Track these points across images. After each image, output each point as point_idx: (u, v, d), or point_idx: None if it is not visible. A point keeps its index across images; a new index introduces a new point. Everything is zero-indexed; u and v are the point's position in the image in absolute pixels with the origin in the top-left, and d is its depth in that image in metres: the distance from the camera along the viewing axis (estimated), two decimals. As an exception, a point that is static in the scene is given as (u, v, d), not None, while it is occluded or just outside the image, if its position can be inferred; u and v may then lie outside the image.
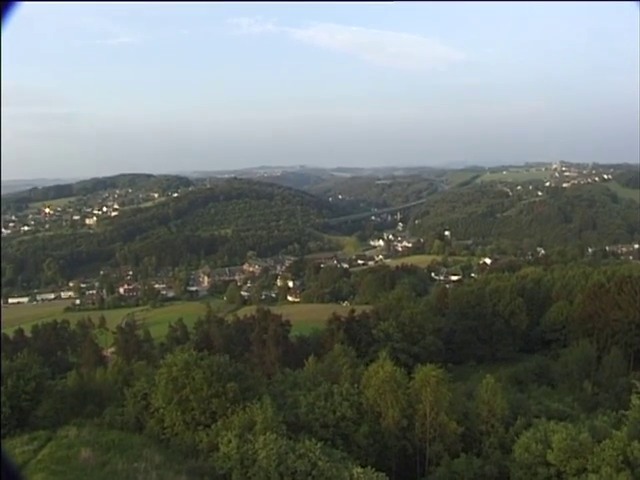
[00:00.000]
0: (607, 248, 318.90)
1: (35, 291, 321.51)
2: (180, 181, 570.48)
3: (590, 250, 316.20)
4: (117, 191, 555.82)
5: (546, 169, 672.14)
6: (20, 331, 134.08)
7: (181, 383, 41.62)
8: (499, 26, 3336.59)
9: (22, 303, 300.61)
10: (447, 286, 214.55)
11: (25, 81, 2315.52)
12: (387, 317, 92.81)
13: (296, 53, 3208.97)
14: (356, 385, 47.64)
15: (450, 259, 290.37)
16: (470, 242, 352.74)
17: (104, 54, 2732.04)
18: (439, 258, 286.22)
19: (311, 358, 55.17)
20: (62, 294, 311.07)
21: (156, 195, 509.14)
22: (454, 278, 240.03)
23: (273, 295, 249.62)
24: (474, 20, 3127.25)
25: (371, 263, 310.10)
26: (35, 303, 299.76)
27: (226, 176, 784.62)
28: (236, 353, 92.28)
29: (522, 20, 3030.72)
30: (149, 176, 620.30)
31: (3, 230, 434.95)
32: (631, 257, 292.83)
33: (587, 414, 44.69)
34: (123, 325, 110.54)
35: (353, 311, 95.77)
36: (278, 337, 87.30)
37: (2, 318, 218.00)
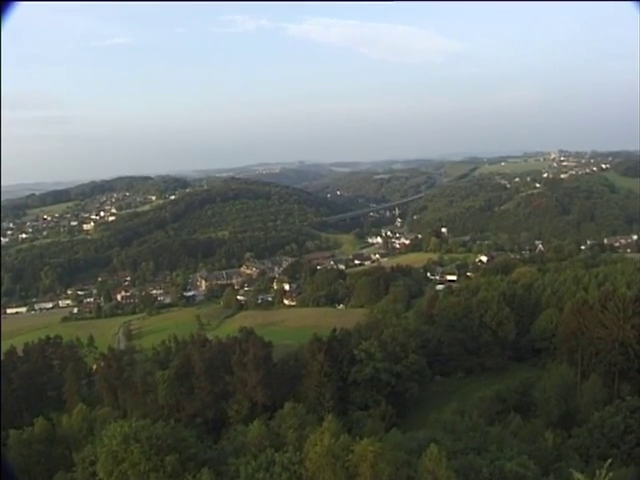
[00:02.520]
0: (605, 241, 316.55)
1: (33, 300, 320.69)
2: (177, 183, 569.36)
3: (588, 243, 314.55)
4: (115, 195, 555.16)
5: (544, 159, 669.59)
6: (9, 353, 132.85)
7: (120, 457, 40.37)
8: (495, 16, 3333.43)
9: (20, 313, 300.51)
10: (440, 287, 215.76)
11: (21, 85, 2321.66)
12: (369, 336, 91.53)
13: (292, 48, 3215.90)
14: (299, 453, 44.75)
15: (447, 257, 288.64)
16: (467, 238, 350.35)
17: (100, 55, 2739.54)
18: (435, 256, 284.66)
19: (256, 421, 52.72)
20: (60, 303, 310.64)
21: (154, 198, 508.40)
22: (450, 278, 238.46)
23: (269, 299, 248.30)
24: (469, 11, 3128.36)
25: (368, 263, 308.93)
26: (33, 313, 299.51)
27: (225, 175, 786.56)
28: (217, 377, 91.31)
29: (518, 9, 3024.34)
30: (147, 178, 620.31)
31: (2, 239, 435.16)
32: (629, 250, 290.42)
33: (544, 470, 43.15)
34: (106, 351, 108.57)
35: (335, 330, 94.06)
36: (258, 360, 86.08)
37: (2, 329, 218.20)
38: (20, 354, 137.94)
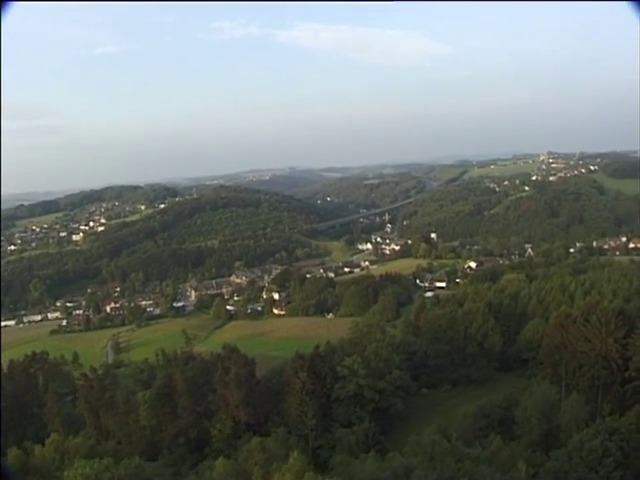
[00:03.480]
0: (594, 243, 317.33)
1: (22, 313, 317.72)
2: (167, 192, 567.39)
3: (577, 245, 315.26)
4: (104, 204, 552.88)
5: (533, 161, 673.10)
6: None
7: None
8: (482, 18, 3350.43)
9: (9, 326, 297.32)
10: (429, 294, 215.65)
11: (10, 95, 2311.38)
12: (352, 351, 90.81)
13: (281, 54, 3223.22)
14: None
15: (436, 263, 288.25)
16: (457, 244, 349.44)
17: (89, 64, 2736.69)
18: (425, 263, 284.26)
19: (221, 458, 51.74)
20: (49, 315, 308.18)
21: (143, 207, 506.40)
22: (439, 285, 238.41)
23: (259, 308, 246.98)
24: (457, 13, 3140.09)
25: (357, 270, 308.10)
26: (22, 326, 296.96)
27: (215, 182, 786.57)
28: (200, 396, 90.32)
29: (505, 11, 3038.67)
30: (136, 188, 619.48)
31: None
32: (617, 252, 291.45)
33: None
34: (88, 371, 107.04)
35: (317, 347, 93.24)
36: (240, 379, 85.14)
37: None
38: (4, 371, 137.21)
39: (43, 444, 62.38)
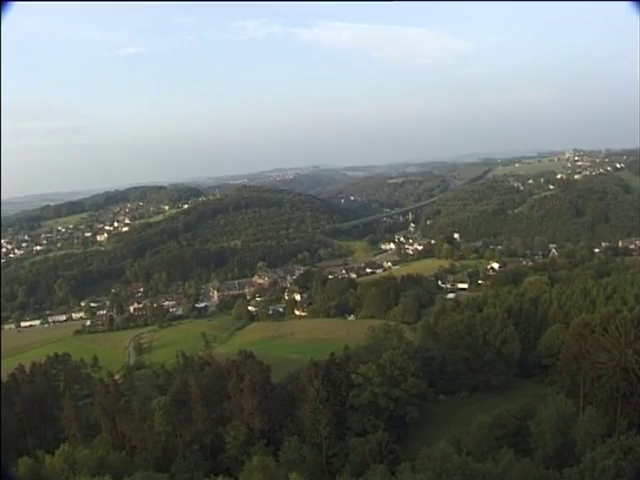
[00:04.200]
0: (620, 243, 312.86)
1: (47, 313, 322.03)
2: (191, 192, 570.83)
3: (603, 245, 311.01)
4: (128, 205, 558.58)
5: (559, 159, 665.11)
6: (14, 376, 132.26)
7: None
8: (505, 15, 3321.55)
9: (34, 326, 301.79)
10: (451, 296, 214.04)
11: (36, 97, 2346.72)
12: (368, 359, 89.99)
13: (304, 53, 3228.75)
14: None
15: (459, 264, 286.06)
16: (480, 244, 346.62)
17: (112, 65, 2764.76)
18: (447, 264, 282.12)
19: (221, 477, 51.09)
20: (73, 315, 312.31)
21: (167, 207, 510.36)
22: (461, 286, 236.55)
23: (280, 310, 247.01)
24: (478, 10, 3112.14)
25: (380, 271, 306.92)
26: (47, 326, 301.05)
27: (238, 182, 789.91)
28: (214, 403, 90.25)
29: (528, 6, 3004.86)
30: (160, 188, 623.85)
31: (17, 251, 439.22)
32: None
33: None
34: (107, 377, 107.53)
35: (333, 354, 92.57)
36: (255, 386, 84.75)
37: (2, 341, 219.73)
38: (26, 372, 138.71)
39: (54, 453, 62.60)
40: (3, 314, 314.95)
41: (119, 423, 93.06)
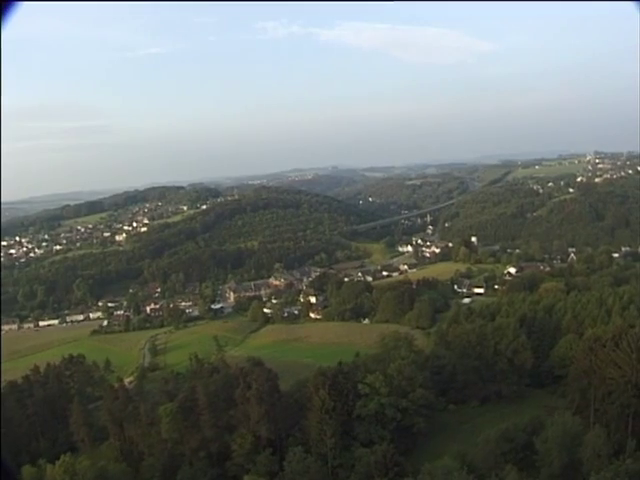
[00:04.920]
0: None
1: (65, 312, 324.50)
2: (209, 192, 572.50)
3: (623, 250, 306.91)
4: (147, 205, 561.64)
5: (579, 162, 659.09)
6: (27, 377, 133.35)
7: None
8: (527, 15, 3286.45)
9: (53, 325, 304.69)
10: (467, 301, 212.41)
11: (59, 97, 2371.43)
12: (376, 369, 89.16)
13: (323, 53, 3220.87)
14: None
15: (475, 268, 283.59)
16: (497, 247, 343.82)
17: (135, 66, 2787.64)
18: (464, 267, 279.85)
19: None
20: (91, 315, 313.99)
21: (185, 208, 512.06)
22: (477, 291, 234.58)
23: (296, 312, 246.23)
24: (500, 10, 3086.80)
25: (396, 274, 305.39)
26: (65, 325, 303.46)
27: (257, 182, 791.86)
28: (221, 410, 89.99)
29: (551, 6, 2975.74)
30: (179, 188, 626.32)
31: (37, 250, 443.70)
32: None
33: None
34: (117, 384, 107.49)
35: (340, 363, 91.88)
36: (262, 395, 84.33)
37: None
38: (41, 374, 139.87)
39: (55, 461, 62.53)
40: (23, 313, 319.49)
41: (127, 429, 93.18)
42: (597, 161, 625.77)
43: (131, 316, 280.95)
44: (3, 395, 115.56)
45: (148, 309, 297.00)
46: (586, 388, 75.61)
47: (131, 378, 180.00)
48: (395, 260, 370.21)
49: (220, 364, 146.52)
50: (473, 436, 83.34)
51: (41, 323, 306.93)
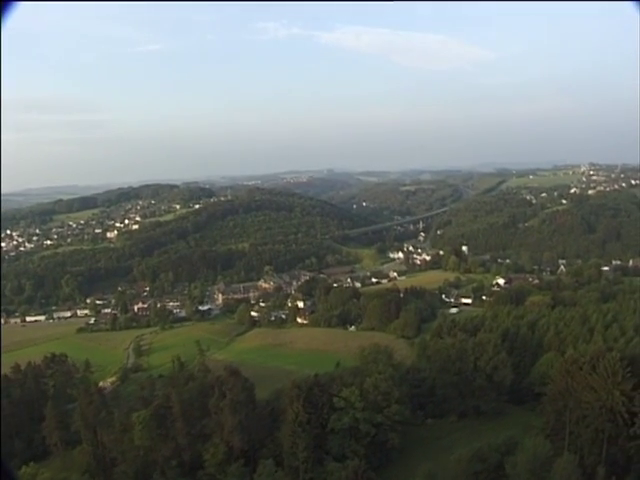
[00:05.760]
0: (630, 262, 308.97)
1: (53, 308, 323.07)
2: (202, 192, 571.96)
3: (613, 263, 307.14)
4: (140, 202, 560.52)
5: (574, 173, 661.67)
6: (6, 377, 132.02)
7: None
8: (527, 24, 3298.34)
9: (39, 321, 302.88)
10: (454, 311, 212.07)
11: (59, 90, 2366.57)
12: (352, 382, 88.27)
13: (323, 55, 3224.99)
14: None
15: (465, 277, 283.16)
16: (487, 257, 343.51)
17: (134, 62, 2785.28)
18: (453, 277, 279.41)
19: None
20: (78, 312, 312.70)
21: (178, 207, 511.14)
22: (465, 301, 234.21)
23: (283, 316, 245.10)
24: (500, 19, 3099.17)
25: (385, 281, 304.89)
26: (51, 321, 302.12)
27: (252, 183, 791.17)
28: (195, 419, 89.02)
29: (552, 16, 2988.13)
30: (173, 187, 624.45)
31: (27, 244, 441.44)
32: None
33: None
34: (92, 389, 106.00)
35: (316, 376, 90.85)
36: (236, 405, 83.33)
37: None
38: (20, 372, 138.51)
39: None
40: (10, 307, 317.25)
41: (100, 434, 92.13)
42: (591, 173, 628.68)
43: (118, 315, 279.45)
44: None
45: (136, 308, 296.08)
46: (561, 410, 74.74)
47: (114, 379, 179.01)
48: (385, 266, 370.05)
49: (202, 369, 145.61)
50: (448, 452, 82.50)
51: (28, 318, 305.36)
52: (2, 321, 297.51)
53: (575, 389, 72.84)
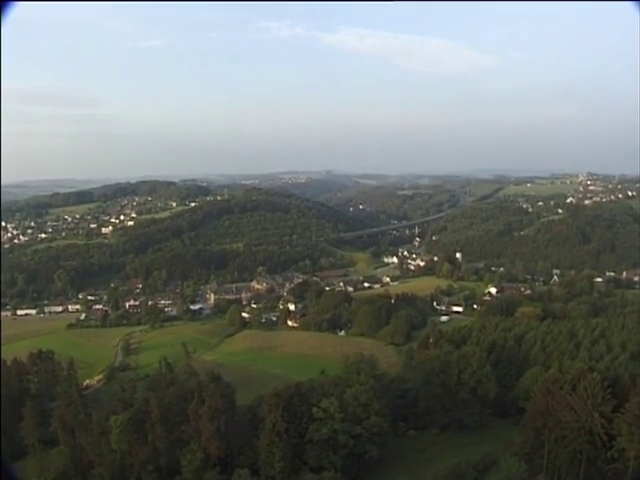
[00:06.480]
0: (624, 274, 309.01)
1: (44, 302, 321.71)
2: (199, 190, 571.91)
3: (606, 274, 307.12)
4: (137, 199, 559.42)
5: (571, 182, 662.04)
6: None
7: None
8: (529, 32, 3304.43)
9: (30, 315, 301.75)
10: (444, 319, 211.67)
11: (61, 83, 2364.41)
12: (333, 392, 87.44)
13: (325, 57, 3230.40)
14: None
15: (457, 285, 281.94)
16: (481, 265, 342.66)
17: (135, 57, 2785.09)
18: (445, 284, 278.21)
19: None
20: (70, 307, 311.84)
21: (174, 204, 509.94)
22: (456, 309, 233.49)
23: (274, 318, 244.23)
24: (503, 25, 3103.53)
25: (377, 286, 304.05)
26: (42, 316, 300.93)
27: (250, 182, 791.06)
28: (174, 424, 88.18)
29: (553, 23, 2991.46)
30: (170, 184, 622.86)
31: (21, 237, 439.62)
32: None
33: None
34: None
35: (297, 385, 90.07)
36: (214, 412, 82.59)
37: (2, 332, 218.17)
38: (7, 368, 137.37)
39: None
40: (2, 300, 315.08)
41: (78, 436, 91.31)
42: (589, 182, 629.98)
43: (109, 311, 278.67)
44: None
45: (127, 305, 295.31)
46: (541, 429, 74.12)
47: (100, 377, 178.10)
48: (379, 271, 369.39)
49: (187, 371, 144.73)
50: (427, 465, 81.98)
51: (19, 312, 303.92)
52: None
53: (555, 408, 72.26)
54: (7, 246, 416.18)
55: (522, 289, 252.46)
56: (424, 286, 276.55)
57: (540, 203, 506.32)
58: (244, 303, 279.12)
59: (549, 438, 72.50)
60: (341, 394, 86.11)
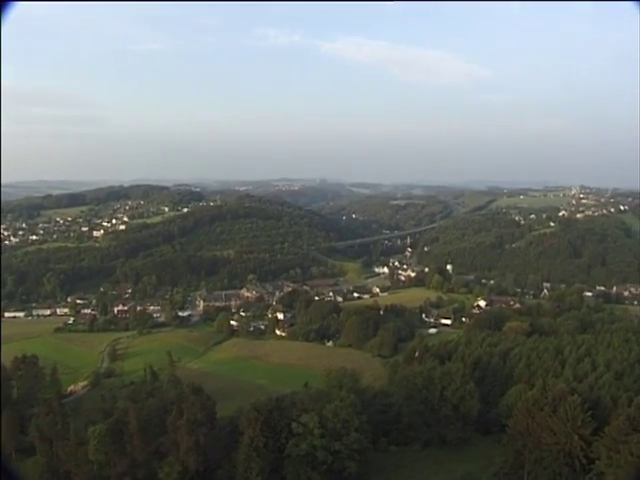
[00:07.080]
0: (614, 288, 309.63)
1: (33, 305, 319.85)
2: (192, 195, 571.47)
3: (597, 289, 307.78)
4: (129, 203, 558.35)
5: (564, 195, 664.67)
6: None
7: None
8: (524, 45, 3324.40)
9: (18, 318, 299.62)
10: (433, 331, 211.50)
11: (57, 83, 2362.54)
12: (313, 408, 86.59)
13: (322, 65, 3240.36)
14: None
15: (447, 297, 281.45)
16: (472, 278, 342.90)
17: (133, 59, 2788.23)
18: (434, 296, 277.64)
19: None
20: (58, 310, 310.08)
21: (166, 209, 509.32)
22: (444, 322, 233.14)
23: (262, 327, 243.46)
24: (499, 38, 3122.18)
25: (367, 296, 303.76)
26: (30, 319, 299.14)
27: (244, 188, 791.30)
28: (152, 436, 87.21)
29: (549, 40, 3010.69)
30: (163, 188, 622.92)
31: (12, 238, 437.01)
32: (635, 302, 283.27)
33: None
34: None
35: (278, 399, 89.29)
36: (192, 425, 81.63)
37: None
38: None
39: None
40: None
41: (55, 446, 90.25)
42: (581, 196, 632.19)
43: (98, 316, 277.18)
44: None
45: (116, 310, 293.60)
46: (521, 449, 73.63)
47: (85, 383, 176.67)
48: (369, 281, 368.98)
49: (171, 379, 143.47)
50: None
51: (6, 314, 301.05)
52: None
53: (535, 430, 71.89)
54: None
55: (512, 302, 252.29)
56: (413, 297, 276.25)
57: (532, 216, 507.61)
58: (233, 311, 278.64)
59: (529, 459, 71.99)
60: (321, 409, 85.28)
